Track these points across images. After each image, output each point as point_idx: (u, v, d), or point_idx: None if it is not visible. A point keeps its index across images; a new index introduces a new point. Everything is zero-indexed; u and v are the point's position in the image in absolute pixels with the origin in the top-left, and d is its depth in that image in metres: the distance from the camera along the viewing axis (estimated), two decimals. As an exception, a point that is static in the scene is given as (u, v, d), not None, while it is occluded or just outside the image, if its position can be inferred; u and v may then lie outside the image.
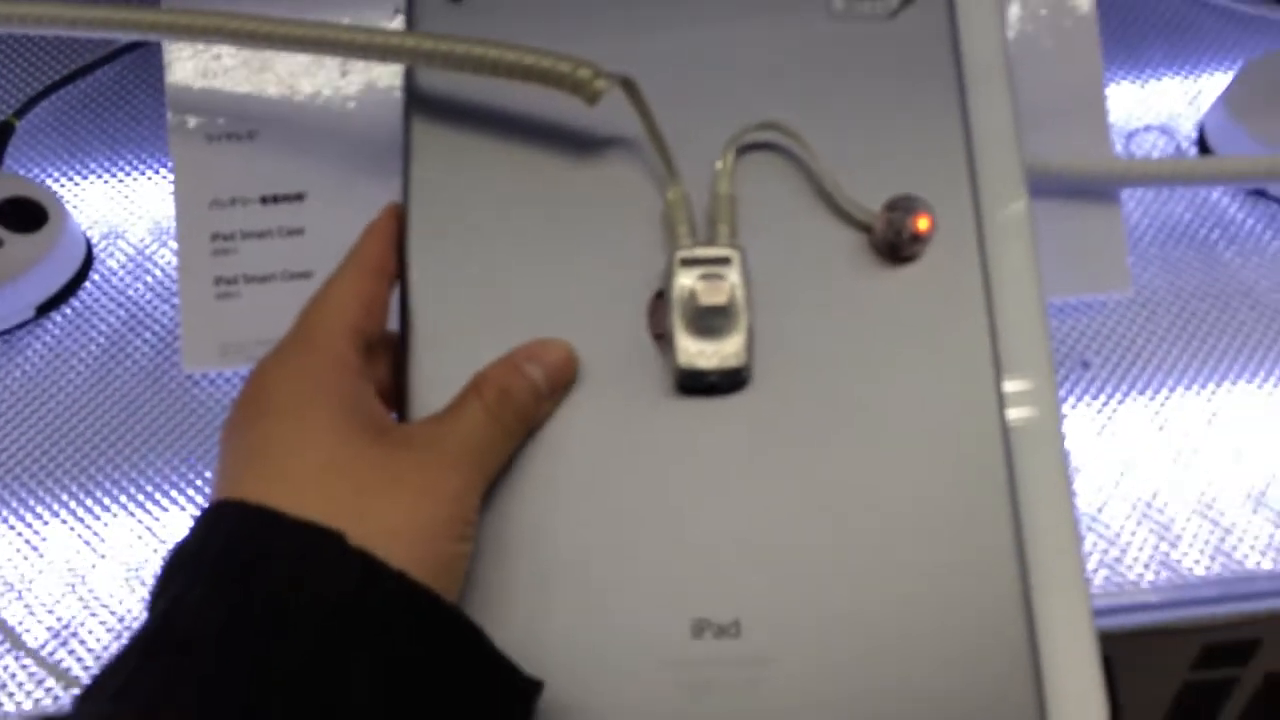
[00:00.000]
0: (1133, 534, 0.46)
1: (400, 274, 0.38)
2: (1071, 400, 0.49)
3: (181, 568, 0.31)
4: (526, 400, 0.35)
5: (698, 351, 0.36)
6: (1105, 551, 0.46)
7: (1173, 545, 0.45)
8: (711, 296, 0.36)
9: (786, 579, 0.36)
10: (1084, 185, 0.45)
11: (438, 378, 0.37)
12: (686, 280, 0.36)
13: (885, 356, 0.37)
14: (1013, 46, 0.44)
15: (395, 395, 0.37)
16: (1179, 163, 0.45)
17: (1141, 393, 0.49)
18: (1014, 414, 0.37)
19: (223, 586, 0.30)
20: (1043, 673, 0.35)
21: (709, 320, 0.36)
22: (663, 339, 0.37)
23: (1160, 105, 0.54)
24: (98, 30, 0.42)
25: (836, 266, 0.38)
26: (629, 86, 0.37)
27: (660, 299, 0.38)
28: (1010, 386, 0.37)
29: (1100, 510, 0.47)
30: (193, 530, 0.31)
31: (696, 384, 0.37)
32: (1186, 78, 0.55)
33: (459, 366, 0.36)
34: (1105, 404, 0.48)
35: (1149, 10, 0.57)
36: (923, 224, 0.37)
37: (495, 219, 0.39)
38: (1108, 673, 0.44)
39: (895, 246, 0.38)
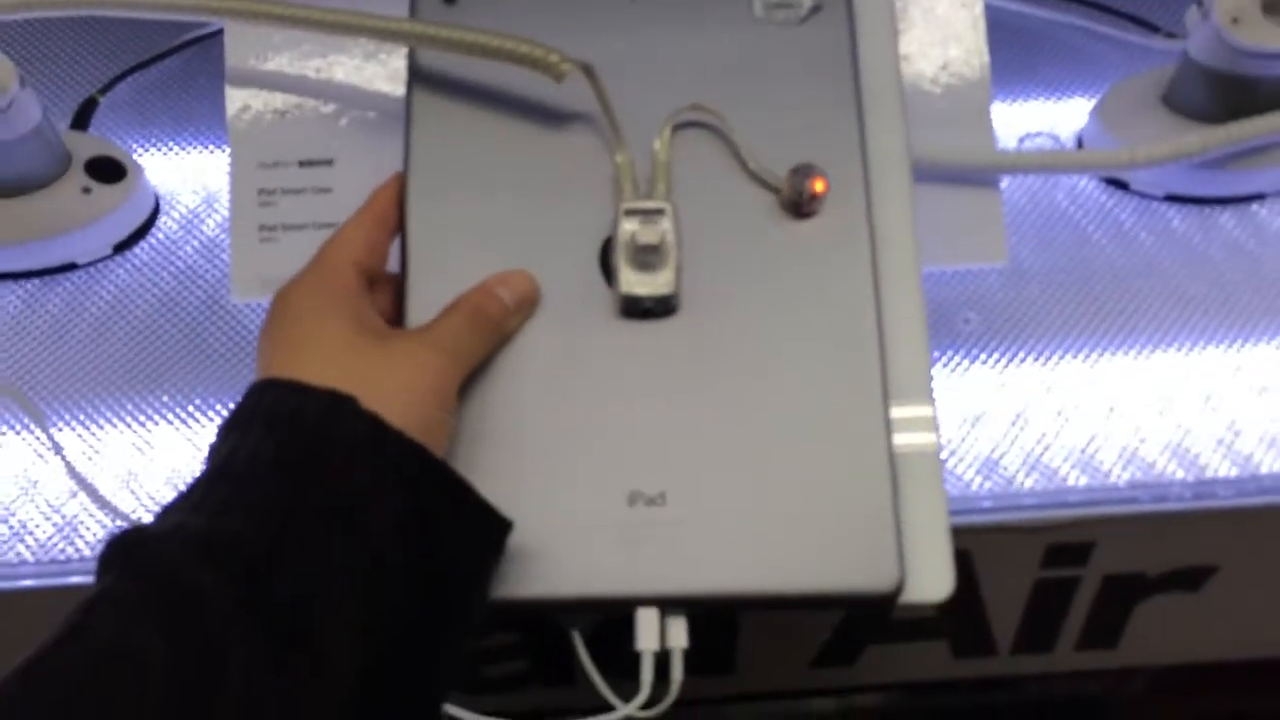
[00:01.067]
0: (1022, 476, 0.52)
1: (400, 221, 0.46)
2: (969, 361, 0.56)
3: (235, 426, 0.39)
4: (496, 314, 0.43)
5: (636, 281, 0.44)
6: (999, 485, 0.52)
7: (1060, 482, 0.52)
8: (648, 236, 0.43)
9: (702, 461, 0.43)
10: (966, 173, 0.53)
11: (429, 303, 0.44)
12: (629, 226, 0.44)
13: (787, 290, 0.45)
14: (911, 62, 0.52)
15: (396, 320, 0.45)
16: (1040, 154, 0.53)
17: (1034, 356, 0.55)
18: (889, 331, 0.44)
19: (270, 436, 0.37)
20: (902, 537, 0.42)
21: (645, 257, 0.43)
22: (610, 273, 0.44)
23: (1052, 116, 0.62)
24: (173, 13, 0.50)
25: (751, 219, 0.46)
26: (588, 70, 0.45)
27: (610, 242, 0.45)
28: (886, 310, 0.45)
29: (1000, 459, 0.53)
30: (242, 401, 0.39)
31: (635, 308, 0.44)
32: (1075, 94, 0.63)
33: (446, 294, 0.44)
34: (1006, 365, 0.55)
35: (1047, 38, 0.65)
36: (819, 186, 0.45)
37: (478, 175, 0.47)
38: (967, 565, 0.52)
39: (797, 204, 0.45)
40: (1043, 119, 0.63)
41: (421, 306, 0.44)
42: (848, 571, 0.42)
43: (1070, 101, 0.63)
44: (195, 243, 0.60)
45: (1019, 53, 0.64)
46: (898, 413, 0.44)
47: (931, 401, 0.45)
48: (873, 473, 0.43)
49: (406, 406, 0.39)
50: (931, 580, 0.43)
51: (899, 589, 0.41)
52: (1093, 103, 0.62)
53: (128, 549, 0.35)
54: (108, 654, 0.32)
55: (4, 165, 0.54)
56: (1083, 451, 0.53)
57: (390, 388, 0.39)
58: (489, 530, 0.40)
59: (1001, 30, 0.64)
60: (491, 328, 0.44)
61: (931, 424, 0.44)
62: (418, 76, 0.48)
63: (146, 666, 0.32)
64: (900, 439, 0.44)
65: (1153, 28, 0.64)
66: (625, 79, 0.47)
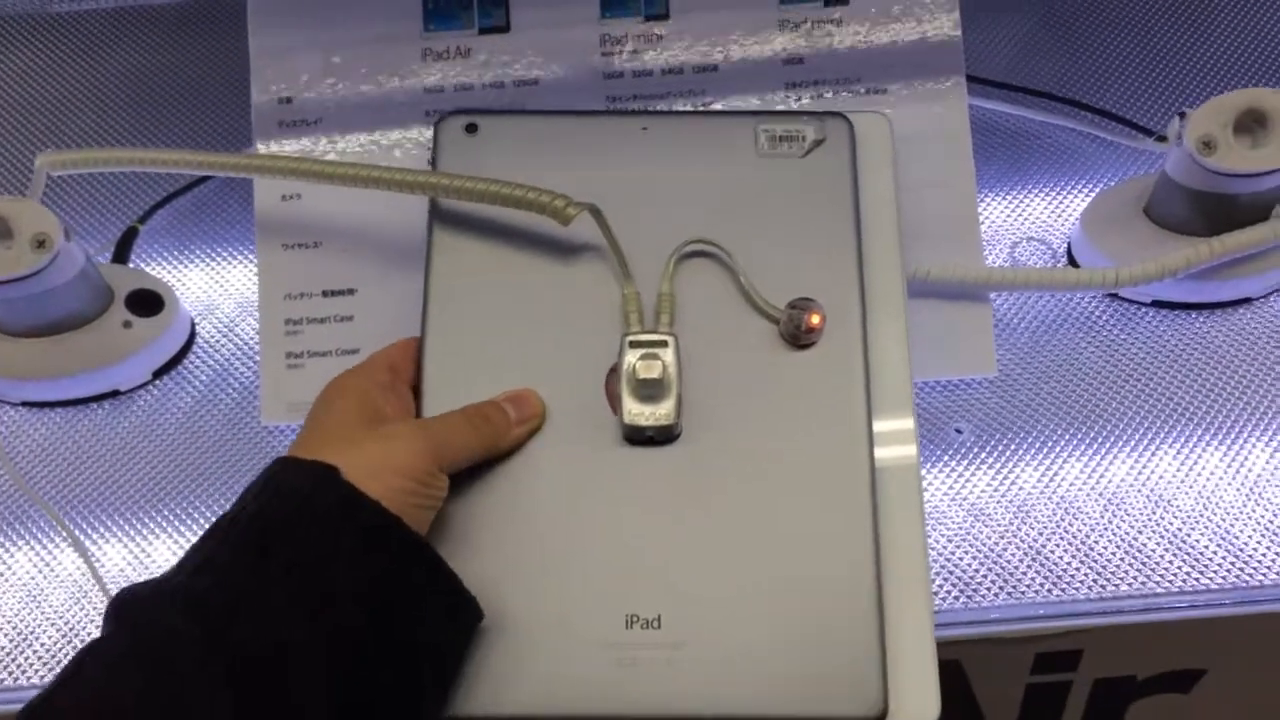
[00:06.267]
0: (978, 572, 0.52)
1: (419, 345, 0.47)
2: (943, 463, 0.55)
3: (241, 497, 0.41)
4: (496, 420, 0.45)
5: (639, 412, 0.44)
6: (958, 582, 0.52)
7: (1013, 587, 0.52)
8: (648, 372, 0.44)
9: (697, 587, 0.43)
10: (957, 289, 0.53)
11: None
12: (632, 358, 0.44)
13: (784, 419, 0.45)
14: (904, 175, 0.51)
15: None
16: (1028, 272, 0.53)
17: (995, 459, 0.55)
18: (882, 464, 0.45)
19: (258, 500, 0.40)
20: (888, 661, 0.42)
21: (647, 389, 0.44)
22: (615, 401, 0.45)
23: (1042, 217, 0.62)
24: (213, 170, 0.52)
25: (751, 349, 0.46)
26: (595, 212, 0.46)
27: (614, 371, 0.46)
28: (880, 446, 0.45)
29: (953, 553, 0.52)
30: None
31: (638, 436, 0.45)
32: (1065, 195, 0.63)
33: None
34: (973, 468, 0.55)
35: (1037, 139, 0.64)
36: (815, 320, 0.46)
37: (492, 306, 0.47)
38: (960, 673, 0.51)
39: (795, 336, 0.46)
40: (1036, 217, 0.62)
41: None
42: (834, 699, 0.42)
43: (1064, 198, 0.63)
44: (231, 347, 0.61)
45: (1012, 153, 0.64)
46: (888, 542, 0.44)
47: (922, 521, 0.45)
48: (860, 602, 0.43)
49: (383, 477, 0.41)
50: (918, 705, 0.43)
51: (883, 716, 0.42)
52: (1075, 201, 0.62)
53: (118, 605, 0.37)
54: (93, 702, 0.34)
55: (52, 307, 0.54)
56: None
57: (369, 461, 0.41)
58: (459, 610, 0.41)
59: (995, 133, 0.65)
60: (489, 430, 0.45)
61: (922, 549, 0.45)
62: (437, 214, 0.49)
63: (125, 712, 0.34)
64: (889, 565, 0.44)
65: (1144, 130, 0.64)
66: (634, 209, 0.48)
